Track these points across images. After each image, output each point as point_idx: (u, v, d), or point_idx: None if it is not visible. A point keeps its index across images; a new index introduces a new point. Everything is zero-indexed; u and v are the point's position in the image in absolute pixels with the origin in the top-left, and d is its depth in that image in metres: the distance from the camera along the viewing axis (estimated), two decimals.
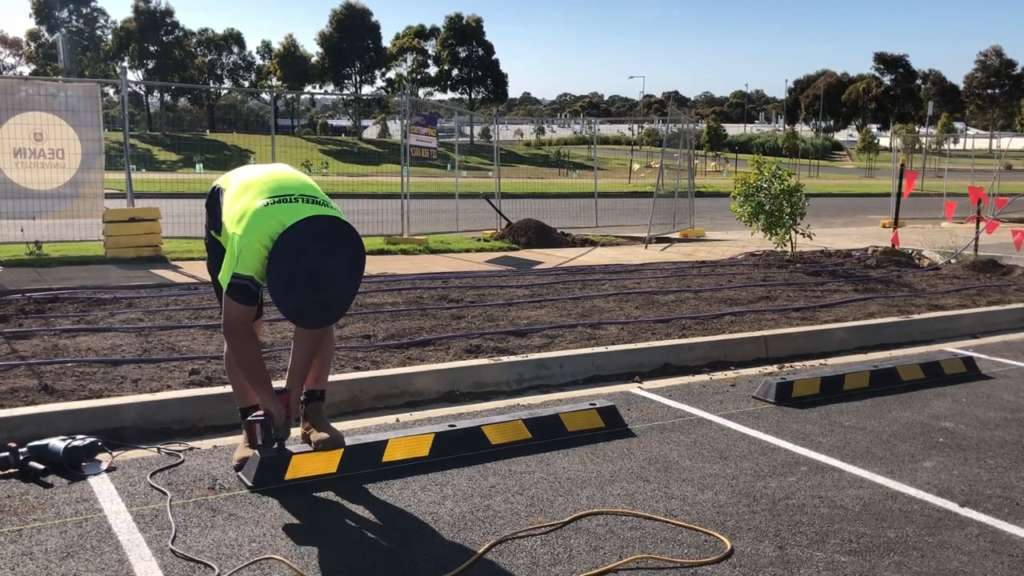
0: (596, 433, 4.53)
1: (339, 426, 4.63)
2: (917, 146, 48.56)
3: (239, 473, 3.82)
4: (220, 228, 3.69)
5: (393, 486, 3.77)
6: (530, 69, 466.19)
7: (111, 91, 41.39)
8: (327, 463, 3.84)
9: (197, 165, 35.25)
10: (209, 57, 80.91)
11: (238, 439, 4.10)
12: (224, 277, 3.47)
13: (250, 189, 3.57)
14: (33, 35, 72.00)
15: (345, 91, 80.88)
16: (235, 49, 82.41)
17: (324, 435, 3.85)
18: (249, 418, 3.67)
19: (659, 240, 14.72)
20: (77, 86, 11.56)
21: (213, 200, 3.75)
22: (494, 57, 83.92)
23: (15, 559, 3.01)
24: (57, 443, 3.83)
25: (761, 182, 11.80)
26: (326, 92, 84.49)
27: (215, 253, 3.80)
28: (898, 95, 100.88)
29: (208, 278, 9.81)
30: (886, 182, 32.09)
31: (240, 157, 45.23)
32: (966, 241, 12.68)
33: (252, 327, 3.61)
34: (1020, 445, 4.54)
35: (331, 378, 5.03)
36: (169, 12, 74.36)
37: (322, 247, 3.36)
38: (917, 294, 9.05)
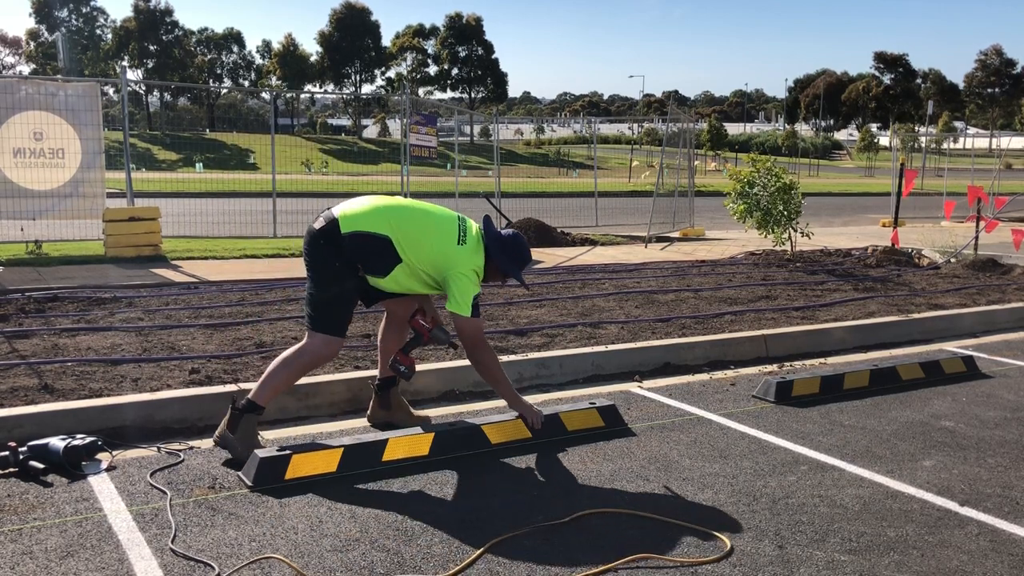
0: (596, 432, 4.53)
1: (339, 425, 4.66)
2: (917, 145, 48.51)
3: (239, 472, 3.82)
4: (387, 270, 4.16)
5: (393, 485, 3.77)
6: (530, 69, 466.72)
7: (111, 90, 41.30)
8: (327, 462, 3.85)
9: (197, 164, 35.29)
10: (209, 56, 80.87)
11: None
12: (465, 307, 4.15)
13: (426, 237, 4.17)
14: (33, 34, 72.01)
15: (345, 90, 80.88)
16: (235, 48, 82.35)
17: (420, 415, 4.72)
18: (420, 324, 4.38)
19: (659, 239, 14.72)
20: (77, 85, 11.56)
21: (378, 244, 4.09)
22: (494, 56, 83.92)
23: (15, 558, 3.01)
24: (57, 442, 3.83)
25: (755, 177, 11.80)
26: (326, 91, 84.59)
27: (347, 273, 4.16)
28: (898, 94, 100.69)
29: (211, 278, 9.74)
30: (886, 181, 32.10)
31: (240, 156, 45.28)
32: (966, 240, 12.67)
33: None
34: (1020, 444, 4.54)
35: (331, 377, 5.05)
36: (169, 11, 74.40)
37: (500, 232, 4.35)
38: (917, 293, 9.05)
